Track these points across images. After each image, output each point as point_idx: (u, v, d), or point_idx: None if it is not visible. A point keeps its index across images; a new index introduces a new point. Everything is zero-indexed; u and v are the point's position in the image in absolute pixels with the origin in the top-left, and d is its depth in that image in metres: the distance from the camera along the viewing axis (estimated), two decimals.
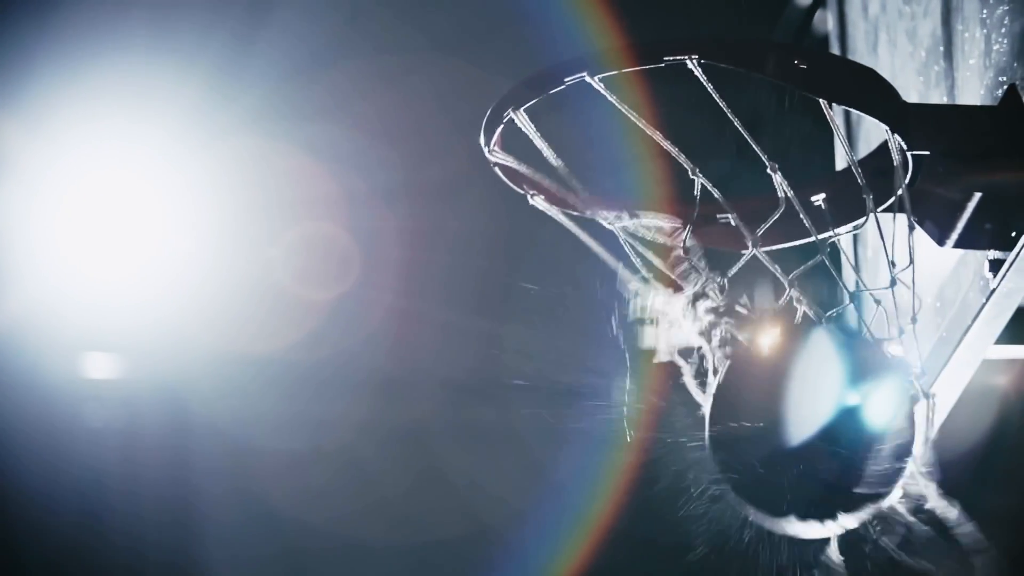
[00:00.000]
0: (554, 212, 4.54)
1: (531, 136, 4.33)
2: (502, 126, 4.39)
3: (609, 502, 8.29)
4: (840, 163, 6.06)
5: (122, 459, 8.55)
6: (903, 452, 4.98)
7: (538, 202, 4.52)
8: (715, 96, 4.10)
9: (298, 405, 8.66)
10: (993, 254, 4.57)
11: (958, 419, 7.47)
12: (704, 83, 4.11)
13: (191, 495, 8.61)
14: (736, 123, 4.13)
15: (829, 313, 4.43)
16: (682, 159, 4.28)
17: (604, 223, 4.53)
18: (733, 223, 4.34)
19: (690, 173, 4.31)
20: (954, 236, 4.59)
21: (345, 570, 8.74)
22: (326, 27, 8.14)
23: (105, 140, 8.02)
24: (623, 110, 4.19)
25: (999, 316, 4.72)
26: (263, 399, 8.60)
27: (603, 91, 4.16)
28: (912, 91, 5.27)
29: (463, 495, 8.66)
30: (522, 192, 4.56)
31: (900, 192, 4.33)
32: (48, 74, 7.90)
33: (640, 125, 4.23)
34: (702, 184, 4.34)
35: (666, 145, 4.25)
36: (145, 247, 8.22)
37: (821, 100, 4.19)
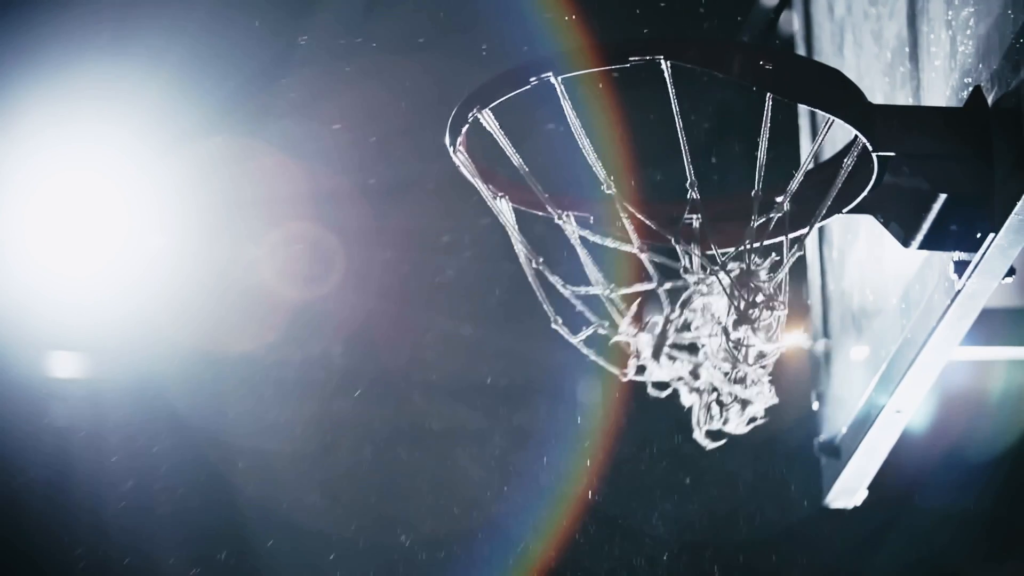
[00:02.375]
0: (511, 221, 4.52)
1: (496, 136, 4.32)
2: (467, 126, 4.38)
3: (574, 503, 8.30)
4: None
5: (88, 459, 8.51)
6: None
7: (503, 204, 4.51)
8: (673, 101, 4.10)
9: (268, 405, 8.64)
10: (958, 255, 4.58)
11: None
12: (668, 84, 4.11)
13: (158, 496, 8.58)
14: (682, 140, 4.13)
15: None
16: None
17: (567, 229, 4.52)
18: (697, 224, 4.33)
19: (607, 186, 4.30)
20: (919, 237, 4.60)
21: (316, 567, 8.72)
22: (301, 22, 8.13)
23: (73, 139, 8.00)
24: (571, 120, 4.19)
25: (964, 318, 4.72)
26: (232, 399, 8.58)
27: (562, 97, 4.16)
28: (878, 92, 5.28)
29: (439, 495, 8.65)
30: (488, 192, 4.55)
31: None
32: (14, 74, 7.87)
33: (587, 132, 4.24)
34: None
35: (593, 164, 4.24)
36: (113, 245, 8.19)
37: (786, 100, 4.19)
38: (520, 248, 4.50)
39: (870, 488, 5.84)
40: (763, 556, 8.36)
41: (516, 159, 4.35)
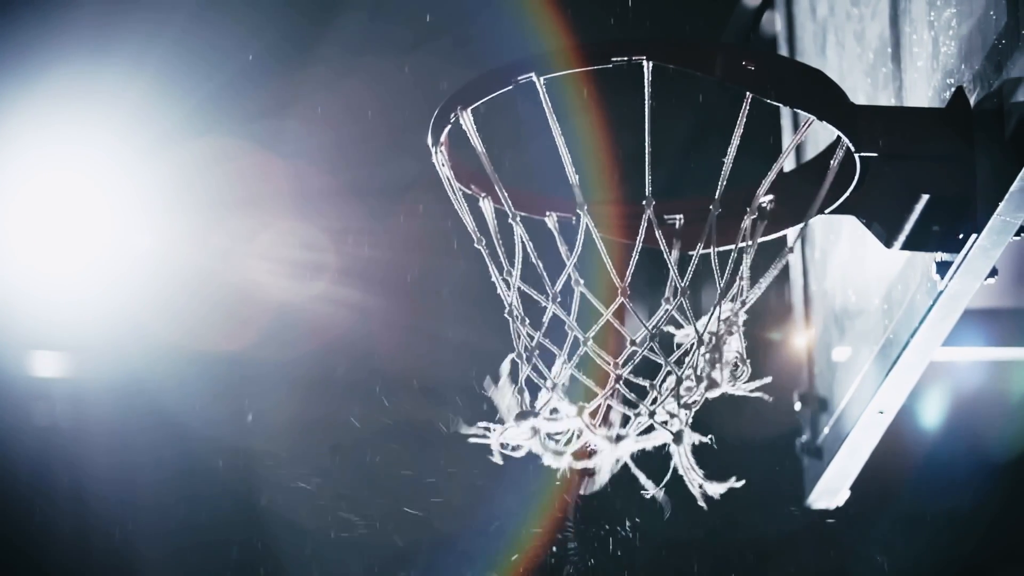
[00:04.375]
0: (485, 233, 4.52)
1: (473, 140, 4.32)
2: (449, 126, 4.38)
3: (561, 504, 8.30)
4: (788, 164, 6.07)
5: (71, 458, 8.51)
6: None
7: (486, 206, 4.51)
8: (646, 106, 4.10)
9: (253, 404, 8.64)
10: (941, 256, 4.58)
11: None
12: (646, 85, 4.12)
13: (139, 496, 8.57)
14: (647, 143, 4.13)
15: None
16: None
17: (549, 223, 4.51)
18: (678, 225, 4.34)
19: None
20: (902, 238, 4.60)
21: (301, 565, 8.72)
22: (286, 22, 8.13)
23: (57, 139, 7.99)
24: (551, 122, 4.19)
25: (946, 318, 4.73)
26: (216, 398, 8.57)
27: (544, 98, 4.15)
28: (860, 93, 5.29)
29: (427, 495, 8.65)
30: (470, 193, 4.55)
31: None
32: None
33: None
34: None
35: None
36: (96, 245, 8.18)
37: (768, 101, 4.20)
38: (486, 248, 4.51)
39: (865, 487, 5.85)
40: (752, 556, 8.36)
41: (489, 166, 4.34)
